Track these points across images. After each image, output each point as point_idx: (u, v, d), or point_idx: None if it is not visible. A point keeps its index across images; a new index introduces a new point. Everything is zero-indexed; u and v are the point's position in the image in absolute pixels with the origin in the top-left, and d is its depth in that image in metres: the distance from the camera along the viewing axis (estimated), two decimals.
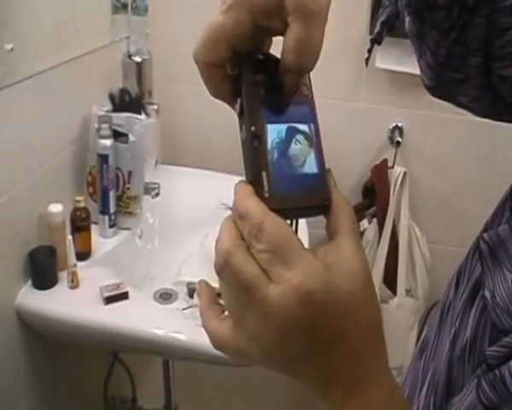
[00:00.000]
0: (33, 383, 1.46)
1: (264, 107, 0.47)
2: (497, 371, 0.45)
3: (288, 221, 0.46)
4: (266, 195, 0.44)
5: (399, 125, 2.11)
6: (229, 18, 0.45)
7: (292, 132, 0.47)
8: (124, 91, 1.65)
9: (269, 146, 0.46)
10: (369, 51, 0.63)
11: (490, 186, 2.11)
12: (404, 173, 2.07)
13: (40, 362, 1.48)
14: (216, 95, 0.49)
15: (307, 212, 0.48)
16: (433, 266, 2.16)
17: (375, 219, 2.12)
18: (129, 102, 1.64)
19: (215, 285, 0.48)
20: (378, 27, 0.68)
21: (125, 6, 1.81)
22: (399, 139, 2.10)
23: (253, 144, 0.45)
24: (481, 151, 2.08)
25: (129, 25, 1.84)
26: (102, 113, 1.56)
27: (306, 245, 0.42)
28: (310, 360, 0.43)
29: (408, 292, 2.12)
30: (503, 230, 0.51)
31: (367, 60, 0.66)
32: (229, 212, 0.45)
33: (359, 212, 2.18)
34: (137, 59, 1.84)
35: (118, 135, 1.56)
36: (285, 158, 0.46)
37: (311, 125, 0.48)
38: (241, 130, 0.48)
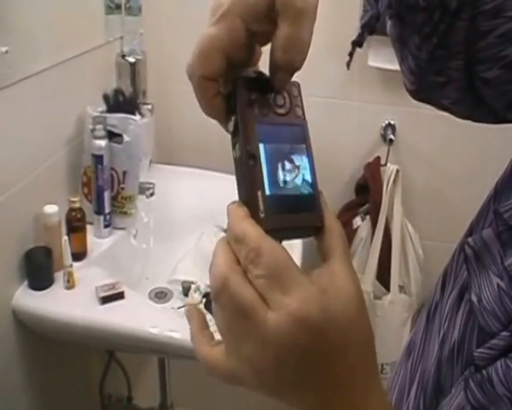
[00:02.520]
0: (30, 383, 1.46)
1: (259, 126, 0.47)
2: (484, 372, 0.46)
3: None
4: (261, 215, 0.44)
5: (392, 122, 2.12)
6: (223, 28, 0.46)
7: (285, 152, 0.47)
8: (118, 92, 1.65)
9: (263, 166, 0.46)
10: (351, 55, 0.64)
11: (482, 183, 2.11)
12: (397, 171, 2.07)
13: (36, 362, 1.48)
14: (209, 112, 0.49)
15: (300, 233, 0.48)
16: (426, 262, 2.17)
17: (368, 217, 2.13)
18: (123, 102, 1.64)
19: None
20: (359, 30, 0.68)
21: (118, 6, 1.81)
22: (392, 137, 2.10)
23: (249, 163, 0.45)
24: (474, 148, 2.09)
25: (122, 25, 1.84)
26: (97, 113, 1.57)
27: (299, 256, 0.42)
28: (305, 384, 0.43)
29: (401, 288, 2.13)
30: (487, 233, 0.52)
31: (348, 63, 0.67)
32: (223, 234, 0.46)
33: (352, 209, 2.19)
34: (131, 59, 1.84)
35: (112, 135, 1.57)
36: (279, 178, 0.46)
37: (304, 145, 0.48)
38: (234, 148, 0.48)
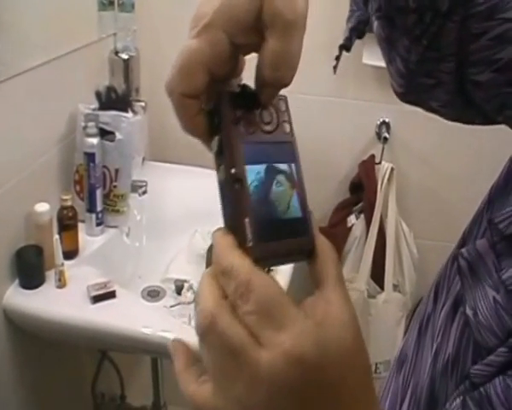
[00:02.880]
0: (21, 382, 1.45)
1: (245, 146, 0.44)
2: (482, 390, 0.44)
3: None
4: (249, 244, 0.41)
5: (386, 120, 2.11)
6: (205, 41, 0.43)
7: (273, 173, 0.44)
8: (110, 89, 1.64)
9: (250, 189, 0.43)
10: (337, 58, 0.62)
11: (477, 182, 2.11)
12: (392, 169, 2.06)
13: (27, 361, 1.47)
14: (190, 131, 0.46)
15: (291, 259, 0.46)
16: (421, 261, 2.17)
17: (362, 215, 2.12)
18: (115, 99, 1.63)
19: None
20: (347, 33, 0.67)
21: (111, 3, 1.80)
22: (387, 135, 2.09)
23: (234, 188, 0.42)
24: (469, 147, 2.08)
25: (116, 21, 1.83)
26: (89, 111, 1.56)
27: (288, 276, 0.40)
28: None
29: (395, 287, 2.12)
30: (481, 244, 0.50)
31: (335, 67, 0.65)
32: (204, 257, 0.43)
33: (347, 208, 2.18)
34: (124, 56, 1.83)
35: (105, 133, 1.56)
36: (267, 202, 0.43)
37: (293, 165, 0.46)
38: (217, 170, 0.45)
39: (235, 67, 0.46)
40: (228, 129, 0.44)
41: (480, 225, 0.57)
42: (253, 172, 0.43)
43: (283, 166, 0.45)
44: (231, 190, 0.42)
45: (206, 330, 0.40)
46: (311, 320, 0.40)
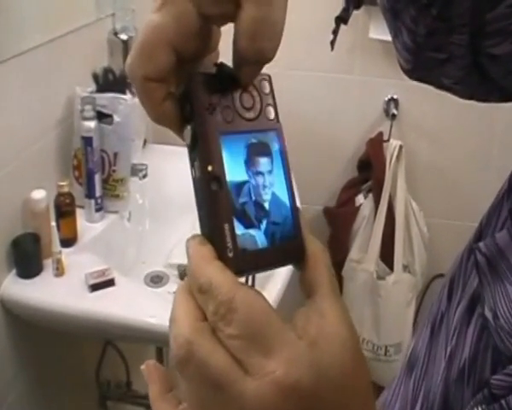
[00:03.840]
0: (22, 373, 1.43)
1: (223, 138, 0.38)
2: (503, 403, 0.39)
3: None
4: (230, 254, 0.36)
5: (395, 97, 2.07)
6: (168, 14, 0.37)
7: (257, 168, 0.39)
8: (108, 71, 1.60)
9: (230, 189, 0.37)
10: (335, 32, 0.57)
11: (488, 158, 2.07)
12: (400, 147, 2.03)
13: (28, 351, 1.45)
14: (157, 119, 0.40)
15: (277, 266, 0.40)
16: (431, 240, 2.13)
17: (370, 194, 2.09)
18: (113, 81, 1.59)
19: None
20: (344, 4, 0.61)
21: None
22: (395, 112, 2.06)
23: (211, 188, 0.37)
24: (480, 122, 2.03)
25: (114, 1, 1.78)
26: (86, 94, 1.52)
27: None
28: None
29: (405, 268, 2.09)
30: (501, 237, 0.45)
31: (332, 43, 0.61)
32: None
33: (355, 187, 2.14)
34: (123, 37, 1.79)
35: (102, 116, 1.52)
36: (249, 203, 0.38)
37: (279, 156, 0.40)
38: (192, 166, 0.39)
39: (208, 43, 0.40)
40: (201, 118, 0.38)
41: (499, 216, 0.50)
42: (233, 169, 0.37)
43: (268, 160, 0.39)
44: (208, 190, 0.37)
45: (183, 361, 0.34)
46: (303, 341, 0.35)
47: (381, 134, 2.09)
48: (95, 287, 1.29)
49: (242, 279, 0.37)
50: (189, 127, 0.39)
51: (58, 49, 1.51)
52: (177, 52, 0.38)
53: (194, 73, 0.39)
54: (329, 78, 2.06)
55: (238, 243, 0.36)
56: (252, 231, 0.37)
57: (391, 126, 2.06)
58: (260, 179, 0.39)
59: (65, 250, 1.37)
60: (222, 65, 0.41)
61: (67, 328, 1.37)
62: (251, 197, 0.38)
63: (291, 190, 0.40)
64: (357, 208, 2.10)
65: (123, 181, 1.57)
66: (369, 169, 2.09)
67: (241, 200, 0.37)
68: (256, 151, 0.39)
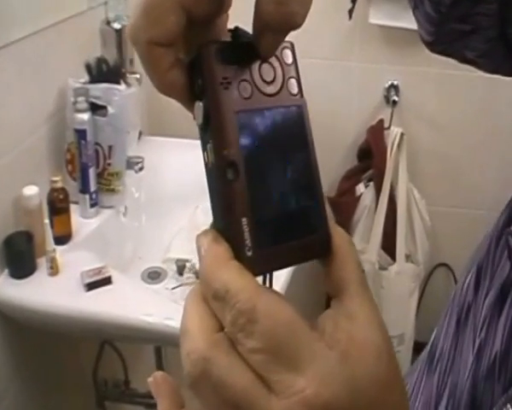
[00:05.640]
0: (17, 375, 1.40)
1: (240, 117, 0.33)
2: None
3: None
4: (249, 253, 0.31)
5: (395, 83, 2.03)
6: None
7: (278, 151, 0.34)
8: (101, 61, 1.55)
9: (249, 178, 0.32)
10: (354, 0, 0.52)
11: (491, 145, 2.04)
12: (402, 134, 1.99)
13: (23, 353, 1.42)
14: (164, 89, 0.35)
15: (299, 262, 0.35)
16: (433, 229, 2.10)
17: (371, 183, 2.05)
18: (107, 71, 1.54)
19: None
20: None
21: None
22: (395, 98, 2.02)
23: (227, 176, 0.32)
24: (482, 109, 2.00)
25: None
26: (79, 85, 1.47)
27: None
28: None
29: (408, 258, 2.06)
30: None
31: (350, 11, 0.57)
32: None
33: (355, 176, 2.11)
34: (117, 25, 1.73)
35: (96, 108, 1.47)
36: (270, 191, 0.33)
37: (302, 136, 0.35)
38: (204, 149, 0.34)
39: (222, 2, 0.35)
40: (215, 94, 0.33)
41: None
42: (252, 152, 0.33)
43: (290, 141, 0.34)
44: (223, 177, 0.32)
45: (199, 380, 0.30)
46: (334, 352, 0.30)
47: (381, 121, 2.05)
48: (91, 286, 1.25)
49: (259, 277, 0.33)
50: (200, 104, 0.33)
51: (49, 40, 1.46)
52: (187, 13, 0.33)
53: (206, 42, 0.34)
54: (328, 64, 2.01)
55: (257, 240, 0.32)
56: (272, 225, 0.33)
57: (391, 113, 2.02)
58: (282, 161, 0.34)
59: (59, 248, 1.33)
60: (237, 30, 0.35)
61: (63, 329, 1.33)
62: (270, 182, 0.33)
63: (316, 175, 0.35)
64: (358, 198, 2.06)
65: (118, 175, 1.52)
66: (370, 158, 2.05)
67: (260, 186, 0.33)
68: (277, 130, 0.34)
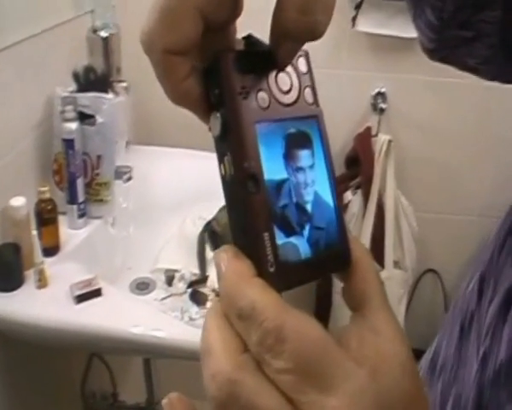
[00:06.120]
0: (4, 388, 1.37)
1: (259, 128, 0.32)
2: None
3: None
4: (271, 269, 0.31)
5: (382, 90, 2.03)
6: None
7: (297, 163, 0.33)
8: (89, 69, 1.53)
9: (269, 190, 0.31)
10: (358, 7, 0.51)
11: (479, 152, 2.04)
12: (389, 141, 1.99)
13: (10, 366, 1.39)
14: (179, 100, 0.34)
15: (319, 277, 0.35)
16: (421, 235, 2.10)
17: (359, 191, 2.05)
18: (95, 80, 1.53)
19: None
20: None
21: None
22: (383, 106, 2.02)
23: (247, 189, 0.31)
24: (471, 115, 2.00)
25: None
26: (66, 94, 1.45)
27: None
28: None
29: (396, 264, 2.06)
30: None
31: (354, 18, 0.56)
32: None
33: (342, 183, 2.10)
34: (104, 34, 1.72)
35: (84, 117, 1.45)
36: (290, 205, 0.32)
37: (320, 148, 0.34)
38: (221, 161, 0.33)
39: (237, 8, 0.34)
40: (234, 104, 0.32)
41: None
42: (271, 165, 0.32)
43: (309, 153, 0.34)
44: (243, 191, 0.31)
45: (226, 403, 0.29)
46: (364, 370, 0.30)
47: (368, 129, 2.05)
48: (81, 298, 1.23)
49: None
50: (218, 115, 0.32)
51: (34, 48, 1.45)
52: (204, 20, 0.32)
53: (222, 50, 0.33)
54: (316, 72, 2.00)
55: (280, 255, 0.31)
56: (294, 240, 0.32)
57: (379, 121, 2.03)
58: (301, 176, 0.33)
59: (47, 260, 1.30)
60: (251, 37, 0.35)
61: (52, 342, 1.31)
62: (291, 199, 0.32)
63: (334, 187, 0.35)
64: (346, 206, 2.06)
65: (107, 185, 1.50)
66: (357, 165, 2.05)
67: (281, 202, 0.32)
68: (296, 143, 0.33)
